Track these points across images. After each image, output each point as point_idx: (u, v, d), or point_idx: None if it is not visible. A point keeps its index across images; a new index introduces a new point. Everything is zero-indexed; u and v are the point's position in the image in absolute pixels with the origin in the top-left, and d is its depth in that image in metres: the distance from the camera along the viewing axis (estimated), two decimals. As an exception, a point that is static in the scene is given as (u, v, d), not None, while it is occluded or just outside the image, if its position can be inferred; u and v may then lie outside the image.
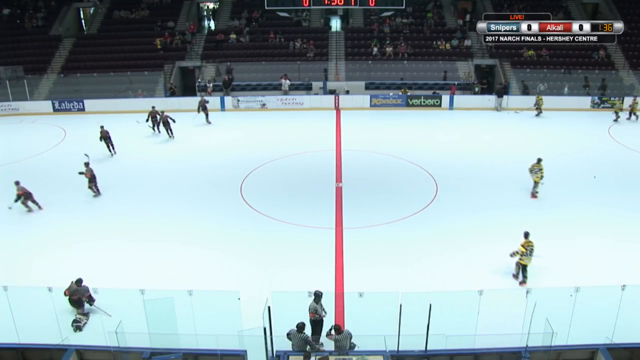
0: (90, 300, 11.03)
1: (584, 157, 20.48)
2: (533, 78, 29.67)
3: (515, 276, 12.13)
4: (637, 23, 31.70)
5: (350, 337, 9.24)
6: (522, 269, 11.95)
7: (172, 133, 22.87)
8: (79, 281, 11.02)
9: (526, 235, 12.02)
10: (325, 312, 9.98)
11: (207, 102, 25.64)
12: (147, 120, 23.34)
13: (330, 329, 9.24)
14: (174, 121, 22.77)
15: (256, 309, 8.79)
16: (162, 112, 22.80)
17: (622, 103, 26.52)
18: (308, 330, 9.23)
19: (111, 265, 13.10)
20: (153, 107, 23.63)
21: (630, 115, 25.65)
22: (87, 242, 14.16)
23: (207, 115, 25.55)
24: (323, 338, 9.58)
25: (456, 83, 29.45)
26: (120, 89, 29.47)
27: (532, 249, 11.79)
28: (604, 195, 16.72)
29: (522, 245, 11.81)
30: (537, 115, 26.40)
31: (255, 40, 32.36)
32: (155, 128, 23.53)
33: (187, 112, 27.78)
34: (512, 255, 11.96)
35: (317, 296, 9.81)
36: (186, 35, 32.18)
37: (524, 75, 29.79)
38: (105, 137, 20.70)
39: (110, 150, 20.90)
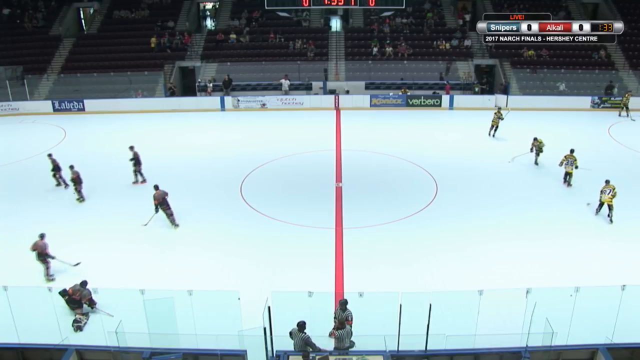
0: (92, 304, 11.05)
1: (584, 157, 20.38)
2: (533, 78, 29.70)
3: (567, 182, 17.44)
4: (637, 23, 31.69)
5: (350, 335, 9.26)
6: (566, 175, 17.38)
7: (81, 195, 16.96)
8: (83, 283, 11.10)
9: (571, 151, 17.46)
10: (351, 319, 9.76)
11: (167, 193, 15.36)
12: (53, 172, 17.78)
13: (333, 328, 9.26)
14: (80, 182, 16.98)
15: (256, 309, 8.78)
16: (72, 167, 16.93)
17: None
18: (311, 330, 9.21)
19: (111, 265, 13.11)
20: (50, 156, 17.97)
21: None
22: (87, 242, 14.15)
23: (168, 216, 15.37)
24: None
25: (448, 82, 29.46)
26: (120, 89, 29.45)
27: (570, 161, 17.28)
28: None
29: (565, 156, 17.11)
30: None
31: (255, 40, 32.36)
32: (62, 182, 17.88)
33: (186, 112, 27.93)
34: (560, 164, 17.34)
35: (342, 304, 9.73)
36: (178, 37, 32.12)
37: (524, 75, 29.81)
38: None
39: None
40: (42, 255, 12.44)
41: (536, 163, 19.52)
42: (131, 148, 18.10)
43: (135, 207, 16.36)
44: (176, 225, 15.09)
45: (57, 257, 12.54)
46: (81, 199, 16.92)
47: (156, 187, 15.15)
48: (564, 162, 17.40)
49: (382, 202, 16.57)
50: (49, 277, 12.58)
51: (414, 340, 8.86)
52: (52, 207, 16.50)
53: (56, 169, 17.70)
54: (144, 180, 18.21)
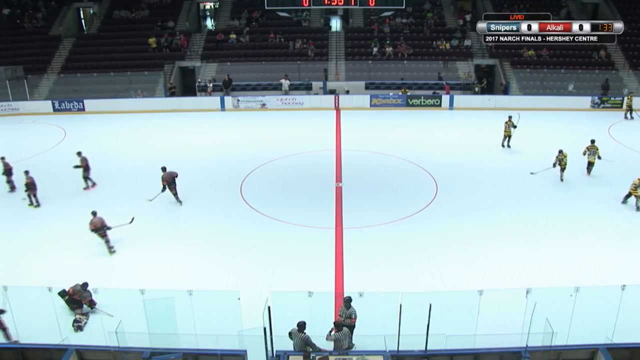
0: (92, 304, 11.05)
1: (584, 157, 20.44)
2: (533, 78, 29.69)
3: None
4: (637, 23, 31.68)
5: (348, 337, 9.24)
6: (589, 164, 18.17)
7: (36, 201, 16.51)
8: (84, 285, 11.10)
9: (592, 141, 18.11)
10: (355, 317, 9.81)
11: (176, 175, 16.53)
12: (5, 175, 17.42)
13: (331, 330, 9.25)
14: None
15: (256, 309, 8.78)
16: (26, 172, 16.28)
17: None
18: (311, 330, 9.22)
19: (111, 265, 13.12)
20: (2, 159, 17.51)
21: None
22: (87, 242, 14.13)
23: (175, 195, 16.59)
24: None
25: (446, 82, 29.45)
26: (120, 89, 29.46)
27: (592, 151, 17.98)
28: (604, 195, 16.71)
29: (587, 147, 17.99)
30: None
31: (255, 40, 32.36)
32: (12, 186, 17.53)
33: (186, 112, 27.95)
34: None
35: (346, 302, 9.74)
36: (178, 37, 32.12)
37: (524, 75, 29.81)
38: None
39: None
40: (102, 229, 13.36)
41: (561, 179, 17.76)
42: (79, 154, 17.64)
43: (135, 207, 16.33)
44: (180, 203, 16.48)
45: (113, 225, 13.59)
46: (34, 204, 16.44)
47: (164, 169, 16.21)
48: (587, 153, 18.08)
49: (382, 202, 16.57)
50: (111, 249, 13.57)
51: (414, 340, 8.86)
52: (52, 207, 16.47)
53: (7, 173, 17.35)
54: (94, 184, 18.00)
